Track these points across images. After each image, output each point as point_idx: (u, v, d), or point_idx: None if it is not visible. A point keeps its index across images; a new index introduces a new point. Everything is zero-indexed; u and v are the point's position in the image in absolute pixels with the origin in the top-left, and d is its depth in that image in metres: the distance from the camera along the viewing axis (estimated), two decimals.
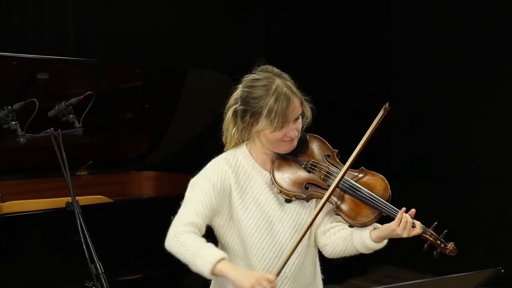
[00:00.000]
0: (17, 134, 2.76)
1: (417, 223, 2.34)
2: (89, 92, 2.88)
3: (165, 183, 4.60)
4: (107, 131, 4.35)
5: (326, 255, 2.46)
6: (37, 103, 2.78)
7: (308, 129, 2.45)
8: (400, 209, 2.33)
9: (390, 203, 2.35)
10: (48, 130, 2.74)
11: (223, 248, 2.42)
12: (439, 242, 2.36)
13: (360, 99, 6.29)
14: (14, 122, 2.79)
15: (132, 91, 4.24)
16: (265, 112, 2.29)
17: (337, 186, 2.31)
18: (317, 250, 2.49)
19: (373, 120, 2.42)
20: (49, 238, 3.64)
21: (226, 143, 2.45)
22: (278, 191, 2.37)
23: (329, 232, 2.42)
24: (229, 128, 2.41)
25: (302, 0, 6.03)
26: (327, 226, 2.42)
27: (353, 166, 2.39)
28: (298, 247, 2.31)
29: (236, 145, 2.43)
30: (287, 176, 2.37)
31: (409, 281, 2.07)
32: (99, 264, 2.58)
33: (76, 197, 2.69)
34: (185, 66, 4.58)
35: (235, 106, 2.38)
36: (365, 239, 2.33)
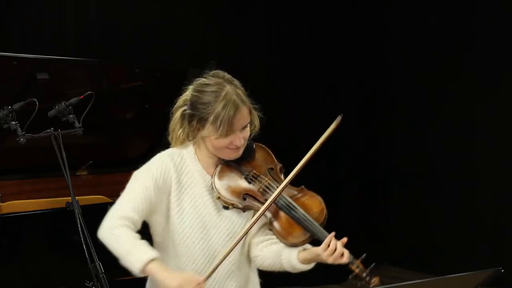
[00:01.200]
0: (17, 134, 2.76)
1: (346, 252, 2.30)
2: (89, 92, 2.88)
3: None
4: (107, 131, 4.35)
5: (256, 266, 2.46)
6: (37, 103, 2.78)
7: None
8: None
9: (324, 228, 2.32)
10: (48, 130, 2.74)
11: (156, 246, 2.40)
12: (364, 274, 2.32)
13: (360, 99, 6.30)
14: (14, 122, 2.79)
15: (132, 91, 4.24)
16: (211, 118, 2.27)
17: (273, 202, 2.29)
18: (249, 260, 2.47)
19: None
20: (49, 238, 3.64)
21: (171, 142, 2.45)
22: (217, 196, 2.36)
23: (261, 245, 2.41)
24: (176, 129, 2.42)
25: (302, 0, 6.03)
26: (261, 238, 2.41)
27: (295, 183, 2.37)
28: (230, 255, 2.30)
29: (183, 143, 2.42)
30: (227, 184, 2.36)
31: (409, 281, 2.07)
32: (99, 264, 2.57)
33: (76, 197, 2.69)
34: (185, 66, 4.57)
35: (183, 108, 2.38)
36: (292, 260, 2.32)
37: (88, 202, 3.67)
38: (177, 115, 2.41)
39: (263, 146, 2.46)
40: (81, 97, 2.87)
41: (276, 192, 2.29)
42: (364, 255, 2.33)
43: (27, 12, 4.74)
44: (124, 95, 4.24)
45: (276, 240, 2.38)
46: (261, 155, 2.43)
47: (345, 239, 2.30)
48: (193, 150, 2.41)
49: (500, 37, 5.62)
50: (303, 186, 2.40)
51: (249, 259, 2.46)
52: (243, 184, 2.37)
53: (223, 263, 2.30)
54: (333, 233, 2.29)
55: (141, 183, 2.33)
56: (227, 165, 2.39)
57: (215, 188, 2.35)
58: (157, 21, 5.26)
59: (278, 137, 2.41)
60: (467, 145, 5.90)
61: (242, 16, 5.77)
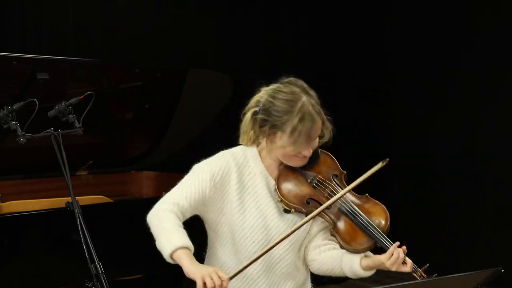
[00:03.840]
0: (17, 134, 2.76)
1: (409, 261, 2.33)
2: (89, 92, 2.87)
3: (165, 183, 4.59)
4: (107, 131, 4.35)
5: (312, 270, 2.46)
6: (37, 103, 2.77)
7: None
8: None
9: (387, 236, 2.33)
10: (48, 130, 2.73)
11: (213, 242, 2.41)
12: None
13: (360, 99, 6.30)
14: (14, 122, 2.79)
15: (132, 91, 4.24)
16: (288, 130, 2.24)
17: (333, 203, 2.29)
18: (306, 263, 2.46)
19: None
20: (49, 238, 3.64)
21: (242, 143, 2.42)
22: (279, 199, 2.35)
23: (319, 249, 2.40)
24: (247, 131, 2.38)
25: (302, 1, 6.03)
26: (319, 242, 2.40)
27: (358, 191, 2.38)
28: (287, 258, 2.33)
29: (253, 143, 2.41)
30: (291, 187, 2.35)
31: (409, 281, 2.07)
32: (99, 264, 2.57)
33: (76, 197, 2.68)
34: (185, 66, 4.57)
35: (255, 109, 2.34)
36: (355, 266, 2.32)
37: (88, 202, 3.67)
38: (248, 116, 2.37)
39: (328, 153, 2.45)
40: (81, 97, 2.86)
41: (339, 194, 2.29)
42: (427, 265, 2.35)
43: (27, 12, 4.74)
44: (124, 95, 4.24)
45: (335, 245, 2.38)
46: (326, 162, 2.43)
47: (404, 248, 2.31)
48: (257, 151, 2.39)
49: (501, 37, 5.62)
50: (366, 194, 2.41)
51: (305, 263, 2.44)
52: (307, 189, 2.35)
53: (280, 265, 2.34)
54: (397, 243, 2.30)
55: (198, 175, 2.32)
56: (291, 169, 2.37)
57: (279, 191, 2.34)
58: (157, 21, 5.26)
59: None
60: (467, 145, 5.90)
61: (242, 16, 5.76)
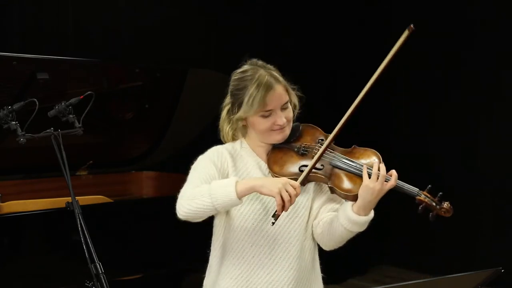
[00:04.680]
0: (17, 134, 2.76)
1: (394, 174, 2.31)
2: (89, 92, 2.87)
3: (165, 183, 4.60)
4: (107, 131, 4.35)
5: (323, 247, 2.45)
6: (37, 103, 2.78)
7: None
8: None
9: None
10: (48, 130, 2.73)
11: (216, 234, 2.43)
12: (434, 203, 2.32)
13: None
14: (14, 122, 2.79)
15: (132, 91, 4.24)
16: (246, 98, 2.32)
17: (322, 154, 2.31)
18: (315, 245, 2.47)
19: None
20: (49, 238, 3.64)
21: (222, 140, 2.48)
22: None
23: (322, 221, 2.41)
24: (224, 126, 2.46)
25: (302, 1, 6.03)
26: (323, 215, 2.42)
27: (346, 145, 2.40)
28: (291, 241, 2.35)
29: (233, 140, 2.47)
30: (281, 163, 2.38)
31: (409, 281, 2.07)
32: (99, 264, 2.57)
33: (76, 197, 2.68)
34: (185, 66, 4.57)
35: (228, 105, 2.43)
36: (348, 213, 2.30)
37: (88, 202, 3.67)
38: (223, 113, 2.45)
39: (309, 124, 2.49)
40: (81, 97, 2.86)
41: (325, 143, 2.32)
42: (429, 186, 2.35)
43: (27, 12, 4.74)
44: (124, 95, 4.25)
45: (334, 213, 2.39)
46: (309, 131, 2.47)
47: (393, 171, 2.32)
48: (245, 141, 2.45)
49: (501, 36, 5.63)
50: (355, 145, 2.42)
51: (315, 243, 2.46)
52: (297, 158, 2.39)
53: (287, 247, 2.35)
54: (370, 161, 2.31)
55: (201, 167, 2.35)
56: (278, 148, 2.42)
57: (271, 171, 2.38)
58: (157, 21, 5.26)
59: None
60: (467, 145, 5.90)
61: (242, 16, 5.77)
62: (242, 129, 2.43)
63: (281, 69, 2.49)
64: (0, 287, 3.37)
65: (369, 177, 2.26)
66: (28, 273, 3.47)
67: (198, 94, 4.35)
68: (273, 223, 2.24)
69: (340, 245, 2.41)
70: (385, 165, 2.32)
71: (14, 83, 3.73)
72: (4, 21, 4.66)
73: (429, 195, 2.33)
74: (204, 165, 2.36)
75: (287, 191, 2.17)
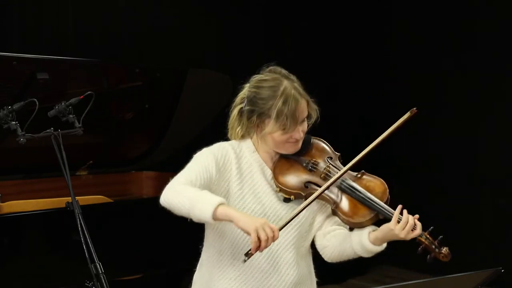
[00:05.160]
0: (17, 134, 2.76)
1: (418, 225, 2.32)
2: (89, 92, 2.87)
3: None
4: (107, 131, 4.35)
5: (325, 258, 2.45)
6: (37, 103, 2.78)
7: (312, 131, 2.45)
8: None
9: (388, 206, 2.34)
10: (48, 130, 2.74)
11: (212, 233, 2.40)
12: (434, 246, 2.33)
13: (361, 99, 6.30)
14: (14, 122, 2.79)
15: (132, 91, 4.24)
16: (274, 114, 2.28)
17: (335, 182, 2.31)
18: (310, 252, 2.47)
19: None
20: (49, 238, 3.64)
21: (230, 138, 2.45)
22: (278, 189, 2.37)
23: (329, 235, 2.41)
24: (234, 126, 2.42)
25: (302, 1, 6.03)
26: (328, 228, 2.42)
27: (354, 169, 2.39)
28: (289, 248, 2.34)
29: (241, 138, 2.44)
30: (287, 175, 2.37)
31: (409, 281, 2.07)
32: (99, 264, 2.57)
33: (76, 197, 2.68)
34: (185, 66, 4.57)
35: (241, 105, 2.39)
36: (364, 240, 2.31)
37: (88, 202, 3.67)
38: (234, 112, 2.41)
39: (320, 138, 2.49)
40: (81, 97, 2.86)
41: (340, 173, 2.32)
42: (431, 228, 2.34)
43: (27, 12, 4.74)
44: (124, 95, 4.24)
45: (344, 229, 2.39)
46: (319, 147, 2.46)
47: (416, 216, 2.32)
48: (252, 143, 2.42)
49: (501, 36, 5.62)
50: (363, 171, 2.43)
51: (309, 251, 2.46)
52: (304, 173, 2.38)
53: (283, 254, 2.34)
54: (401, 206, 2.31)
55: (202, 160, 2.32)
56: (286, 158, 2.41)
57: (276, 180, 2.37)
58: (157, 21, 5.26)
59: None
60: (467, 145, 5.90)
61: (242, 16, 5.77)
62: (253, 132, 2.40)
63: (282, 69, 2.49)
64: (0, 287, 3.37)
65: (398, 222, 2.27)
66: (28, 273, 3.47)
67: (198, 94, 4.35)
68: (244, 261, 2.20)
69: (343, 261, 2.43)
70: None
71: (14, 83, 3.73)
72: (4, 21, 4.66)
73: (430, 237, 2.34)
74: (206, 160, 2.32)
75: (265, 231, 2.11)
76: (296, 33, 6.00)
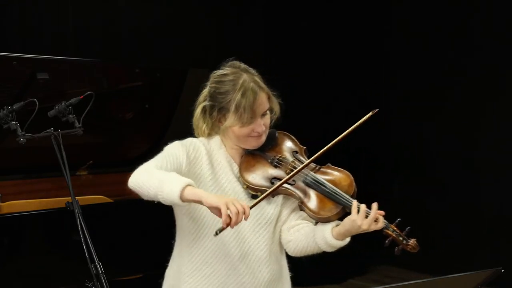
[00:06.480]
0: (17, 134, 2.76)
1: (381, 217, 2.29)
2: (89, 92, 2.87)
3: None
4: (107, 131, 4.35)
5: (289, 253, 2.45)
6: (37, 103, 2.78)
7: (282, 126, 2.45)
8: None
9: (355, 199, 2.31)
10: (48, 130, 2.74)
11: (183, 230, 2.39)
12: (401, 238, 2.31)
13: (361, 99, 6.30)
14: (14, 122, 2.79)
15: (132, 91, 4.24)
16: (233, 107, 2.29)
17: (297, 173, 2.30)
18: (282, 248, 2.46)
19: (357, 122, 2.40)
20: (49, 238, 3.64)
21: (197, 137, 2.45)
22: (245, 186, 2.36)
23: (293, 229, 2.40)
24: (199, 124, 2.43)
25: (302, 1, 6.04)
26: (293, 223, 2.41)
27: (320, 162, 2.38)
28: (260, 245, 2.34)
29: (209, 136, 2.44)
30: (254, 172, 2.37)
31: (409, 281, 2.07)
32: (99, 264, 2.57)
33: (76, 197, 2.68)
34: (185, 66, 4.57)
35: (204, 103, 2.40)
36: (326, 235, 2.30)
37: (88, 202, 3.67)
38: (198, 110, 2.43)
39: (286, 132, 2.47)
40: (81, 97, 2.86)
41: (303, 165, 2.31)
42: (398, 219, 2.33)
43: (27, 12, 4.74)
44: (124, 95, 4.24)
45: (308, 223, 2.39)
46: (284, 141, 2.45)
47: (382, 212, 2.29)
48: (219, 140, 2.42)
49: (500, 36, 5.63)
50: (329, 164, 2.41)
51: (281, 247, 2.45)
52: (269, 169, 2.37)
53: (255, 252, 2.34)
54: (356, 201, 2.29)
55: (173, 151, 2.32)
56: (252, 154, 2.40)
57: (242, 177, 2.36)
58: (157, 21, 5.26)
59: None
60: (467, 145, 5.90)
61: (242, 15, 5.77)
62: (218, 128, 2.40)
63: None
64: (0, 287, 3.37)
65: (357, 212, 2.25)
66: (28, 273, 3.47)
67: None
68: (216, 234, 2.15)
69: (307, 255, 2.42)
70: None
71: (14, 83, 3.73)
72: (4, 21, 4.66)
73: (397, 229, 2.32)
74: (177, 150, 2.32)
75: (235, 205, 2.09)
76: (296, 33, 6.00)
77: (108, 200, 3.97)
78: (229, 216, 2.08)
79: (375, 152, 6.25)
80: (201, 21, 5.51)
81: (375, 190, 6.53)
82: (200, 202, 2.13)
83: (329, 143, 2.31)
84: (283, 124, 2.46)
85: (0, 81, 3.69)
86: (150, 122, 4.46)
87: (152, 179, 2.18)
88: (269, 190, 2.28)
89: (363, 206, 2.26)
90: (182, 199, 2.12)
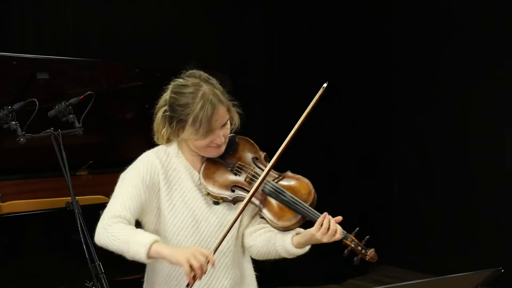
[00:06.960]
0: (17, 134, 2.76)
1: (339, 229, 2.29)
2: (89, 92, 2.87)
3: None
4: (107, 131, 4.34)
5: (252, 256, 2.47)
6: (37, 103, 2.77)
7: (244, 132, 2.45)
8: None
9: (314, 208, 2.32)
10: (48, 130, 2.73)
11: (149, 268, 2.46)
12: (359, 248, 2.31)
13: (361, 99, 6.30)
14: (14, 122, 2.79)
15: (132, 91, 4.24)
16: (190, 120, 2.28)
17: (258, 187, 2.30)
18: (245, 251, 2.48)
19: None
20: (49, 238, 3.64)
21: (157, 142, 2.46)
22: (206, 193, 2.37)
23: (255, 234, 2.42)
24: (160, 129, 2.43)
25: (302, 0, 6.03)
26: (255, 227, 2.42)
27: (280, 169, 2.37)
28: (224, 249, 2.35)
29: (168, 142, 2.44)
30: (214, 179, 2.37)
31: (409, 281, 2.07)
32: (99, 264, 2.57)
33: (76, 197, 2.68)
34: (185, 67, 4.57)
35: (164, 107, 2.40)
36: (287, 244, 2.32)
37: (88, 202, 3.67)
38: (159, 115, 2.43)
39: (246, 138, 2.47)
40: (81, 97, 2.86)
41: (260, 178, 2.30)
42: (357, 229, 2.32)
43: (27, 12, 4.74)
44: (124, 95, 4.24)
45: (270, 228, 2.39)
46: (244, 147, 2.45)
47: (339, 218, 2.30)
48: (178, 148, 2.42)
49: (499, 37, 5.63)
50: (288, 171, 2.41)
51: (243, 250, 2.47)
52: (230, 177, 2.37)
53: (220, 258, 2.35)
54: (325, 213, 2.29)
55: (129, 183, 2.35)
56: (212, 161, 2.40)
57: (203, 185, 2.36)
58: (157, 21, 5.26)
59: (280, 139, 2.43)
60: (467, 145, 5.90)
61: (242, 15, 5.77)
62: (178, 136, 2.39)
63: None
64: (0, 287, 3.37)
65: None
66: (28, 273, 3.47)
67: None
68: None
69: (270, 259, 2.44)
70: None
71: (14, 83, 3.73)
72: (4, 21, 4.66)
73: (355, 240, 2.32)
74: (133, 182, 2.34)
75: (196, 259, 2.12)
76: (296, 33, 6.00)
77: (108, 200, 3.96)
78: (192, 269, 2.12)
79: (375, 152, 6.25)
80: (201, 21, 5.51)
81: (375, 190, 6.55)
82: (165, 260, 2.20)
83: (286, 140, 2.32)
84: (285, 123, 2.45)
85: (0, 81, 3.69)
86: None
87: (117, 242, 2.23)
88: (232, 222, 2.28)
89: (325, 223, 2.26)
90: (149, 257, 2.19)
